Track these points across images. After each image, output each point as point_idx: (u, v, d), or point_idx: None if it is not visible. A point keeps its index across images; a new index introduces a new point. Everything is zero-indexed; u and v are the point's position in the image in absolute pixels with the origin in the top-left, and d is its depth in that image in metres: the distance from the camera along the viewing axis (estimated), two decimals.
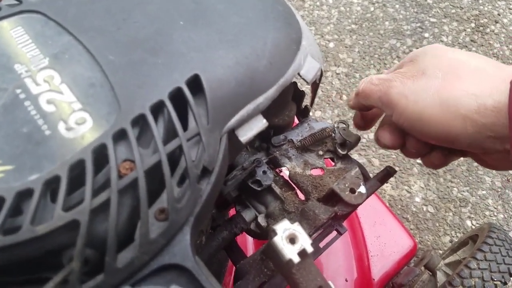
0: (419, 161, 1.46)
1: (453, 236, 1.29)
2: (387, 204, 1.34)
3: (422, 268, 1.00)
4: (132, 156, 0.29)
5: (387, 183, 1.38)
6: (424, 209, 1.34)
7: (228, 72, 0.35)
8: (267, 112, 0.51)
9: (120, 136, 0.29)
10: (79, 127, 0.29)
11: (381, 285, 0.91)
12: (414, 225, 1.30)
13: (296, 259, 0.34)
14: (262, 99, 0.36)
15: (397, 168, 1.43)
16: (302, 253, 0.35)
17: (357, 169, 0.45)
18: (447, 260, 1.01)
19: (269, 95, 0.37)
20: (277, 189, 0.49)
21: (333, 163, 0.52)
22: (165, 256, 0.29)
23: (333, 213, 0.44)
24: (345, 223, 0.93)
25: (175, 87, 0.32)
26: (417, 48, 1.68)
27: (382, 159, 1.45)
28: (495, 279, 0.78)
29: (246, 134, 0.36)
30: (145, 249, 0.28)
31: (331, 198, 0.45)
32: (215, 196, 0.35)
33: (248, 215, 0.51)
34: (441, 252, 1.23)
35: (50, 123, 0.29)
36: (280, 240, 0.35)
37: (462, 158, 1.45)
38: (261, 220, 0.50)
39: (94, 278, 0.26)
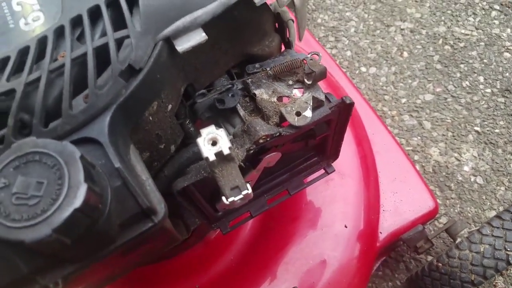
0: (477, 128, 1.32)
1: None
2: (431, 170, 1.26)
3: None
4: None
5: (435, 147, 1.29)
6: (472, 179, 1.23)
7: None
8: (240, 38, 0.53)
9: (61, 31, 0.36)
10: (34, 23, 0.37)
11: (388, 240, 0.90)
12: (456, 195, 1.21)
13: (211, 157, 0.39)
14: (201, 13, 0.40)
15: (450, 134, 1.32)
16: (219, 155, 0.39)
17: (309, 95, 0.46)
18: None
19: (209, 10, 0.40)
20: (241, 112, 0.52)
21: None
22: (85, 130, 0.35)
23: (277, 132, 0.46)
24: (359, 175, 0.92)
25: None
26: (501, 4, 1.45)
27: (435, 122, 1.34)
28: (509, 249, 0.71)
29: (182, 44, 0.40)
30: (66, 120, 0.34)
31: (283, 120, 0.48)
32: (145, 94, 0.40)
33: None
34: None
35: (15, 19, 0.37)
36: (202, 141, 0.39)
37: None
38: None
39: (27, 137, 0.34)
